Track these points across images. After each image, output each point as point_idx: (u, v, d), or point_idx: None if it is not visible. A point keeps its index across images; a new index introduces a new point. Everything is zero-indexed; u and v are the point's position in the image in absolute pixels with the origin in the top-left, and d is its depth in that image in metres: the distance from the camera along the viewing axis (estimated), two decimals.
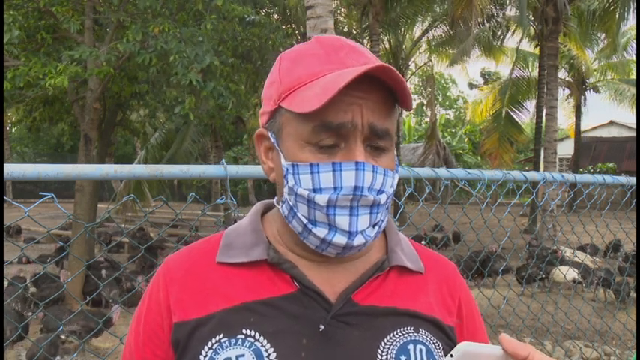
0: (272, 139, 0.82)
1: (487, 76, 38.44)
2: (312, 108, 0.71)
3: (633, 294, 6.68)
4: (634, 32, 19.04)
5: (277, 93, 0.79)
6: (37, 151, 31.78)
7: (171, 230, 13.63)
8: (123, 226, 12.16)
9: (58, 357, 4.58)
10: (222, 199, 1.91)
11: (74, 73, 5.85)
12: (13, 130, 27.97)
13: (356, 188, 0.74)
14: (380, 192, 0.77)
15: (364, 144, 0.76)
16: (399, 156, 19.58)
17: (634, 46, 19.21)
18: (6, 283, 6.37)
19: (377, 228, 0.80)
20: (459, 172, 2.23)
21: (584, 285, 7.59)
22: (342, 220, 0.75)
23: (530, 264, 7.81)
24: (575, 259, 7.58)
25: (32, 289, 7.19)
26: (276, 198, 0.86)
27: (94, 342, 5.64)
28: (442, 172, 2.18)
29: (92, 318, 5.08)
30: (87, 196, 7.34)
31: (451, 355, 0.68)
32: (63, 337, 4.71)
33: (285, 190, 0.79)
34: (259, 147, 0.86)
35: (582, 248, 9.24)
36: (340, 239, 0.76)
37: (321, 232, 0.77)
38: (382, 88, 0.76)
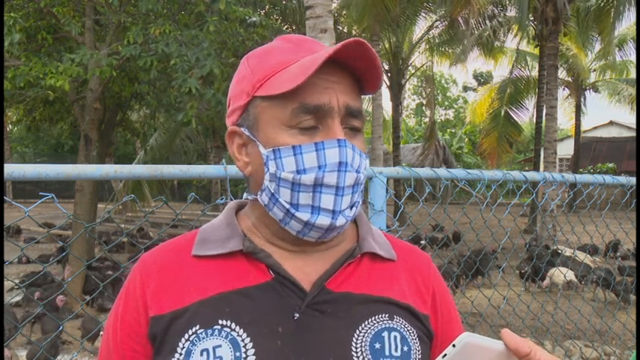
0: (246, 133, 0.83)
1: (480, 78, 38.52)
2: (292, 86, 0.74)
3: (632, 297, 6.67)
4: (627, 31, 18.98)
5: (250, 84, 0.81)
6: (37, 151, 31.75)
7: (171, 230, 13.62)
8: (123, 226, 12.16)
9: (59, 357, 4.58)
10: (222, 199, 1.91)
11: (75, 73, 5.83)
12: (14, 130, 27.94)
13: (340, 164, 0.77)
14: (357, 171, 0.80)
15: (342, 125, 0.79)
16: (399, 156, 19.55)
17: (631, 45, 19.15)
18: (6, 283, 6.36)
19: (354, 209, 0.82)
20: (459, 172, 2.23)
21: (583, 284, 7.59)
22: (328, 198, 0.77)
23: (525, 264, 7.80)
24: (575, 259, 7.58)
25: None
26: (246, 195, 0.88)
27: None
28: (442, 172, 2.18)
29: (91, 319, 5.09)
30: (87, 196, 7.34)
31: (453, 345, 0.67)
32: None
33: (267, 177, 0.80)
34: (231, 145, 0.87)
35: (584, 249, 9.24)
36: (324, 220, 0.77)
37: (304, 215, 0.78)
38: (350, 74, 0.81)
